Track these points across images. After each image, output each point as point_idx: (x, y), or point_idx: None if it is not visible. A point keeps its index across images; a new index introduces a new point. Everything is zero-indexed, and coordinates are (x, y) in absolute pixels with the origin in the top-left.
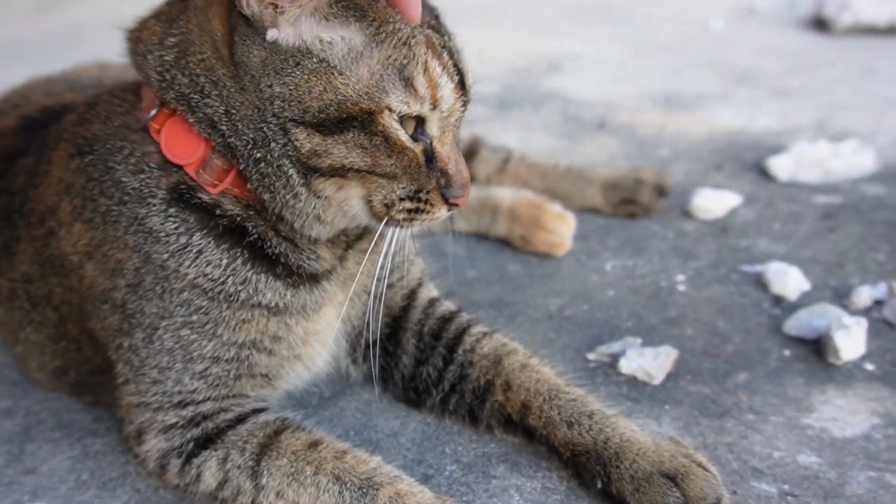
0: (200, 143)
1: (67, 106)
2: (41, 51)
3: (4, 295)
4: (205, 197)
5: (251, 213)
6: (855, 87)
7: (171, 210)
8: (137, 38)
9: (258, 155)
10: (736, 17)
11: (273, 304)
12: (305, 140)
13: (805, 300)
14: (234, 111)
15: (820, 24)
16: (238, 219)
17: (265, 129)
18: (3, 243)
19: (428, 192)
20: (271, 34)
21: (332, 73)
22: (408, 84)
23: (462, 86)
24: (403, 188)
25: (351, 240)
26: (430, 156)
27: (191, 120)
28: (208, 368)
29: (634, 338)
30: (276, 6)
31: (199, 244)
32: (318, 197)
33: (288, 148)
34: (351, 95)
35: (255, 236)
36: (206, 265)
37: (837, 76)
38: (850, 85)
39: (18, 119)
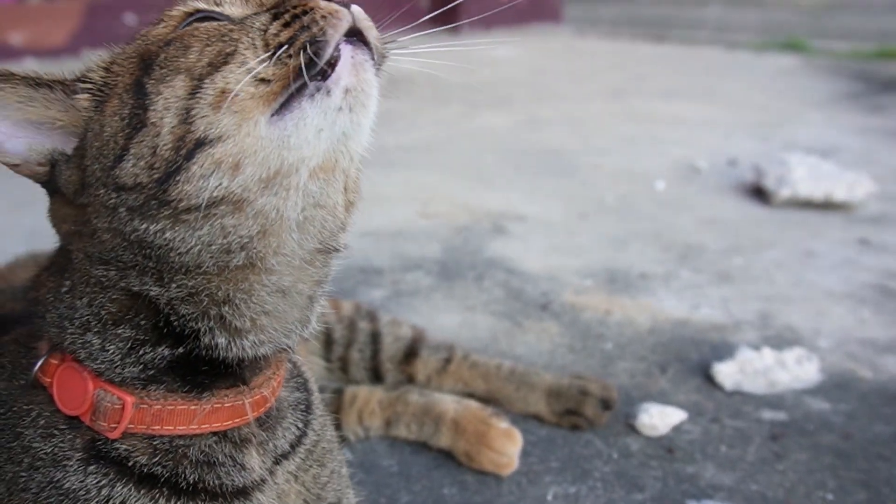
0: (87, 382)
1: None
2: None
3: None
4: (121, 447)
5: (158, 454)
6: (796, 275)
7: (91, 468)
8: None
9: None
10: (678, 177)
11: None
12: (134, 162)
13: None
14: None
15: (759, 194)
16: (145, 469)
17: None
18: None
19: (295, 7)
20: None
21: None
22: None
23: None
24: (252, 31)
25: (279, 455)
26: None
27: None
28: None
29: None
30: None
31: (122, 493)
32: (196, 210)
33: (130, 199)
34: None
35: (167, 475)
36: None
37: (778, 258)
38: (791, 271)
39: None
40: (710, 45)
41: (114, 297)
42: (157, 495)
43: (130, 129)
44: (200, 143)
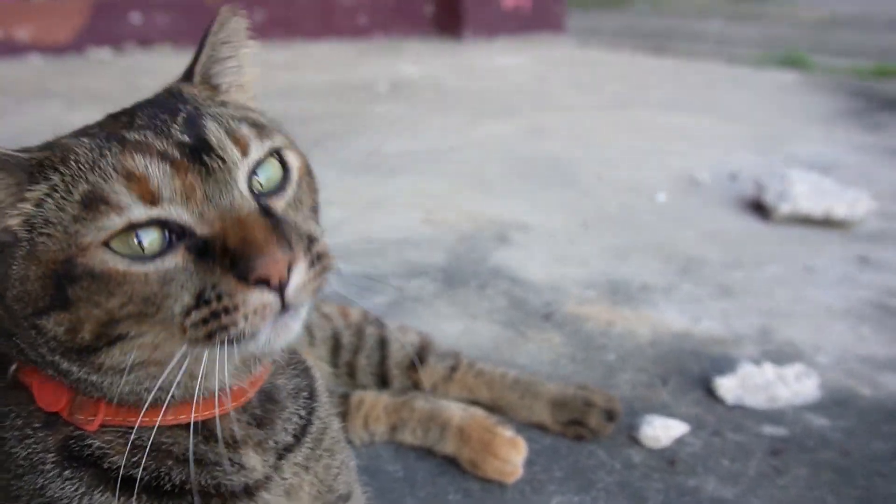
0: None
1: None
2: None
3: None
4: (94, 443)
5: (137, 452)
6: (796, 291)
7: (66, 473)
8: None
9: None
10: (679, 189)
11: None
12: (55, 325)
13: None
14: (17, 334)
15: (759, 209)
16: (122, 470)
17: (30, 336)
18: None
19: (216, 286)
20: None
21: (36, 245)
22: (98, 204)
23: (193, 158)
24: (175, 305)
25: (282, 449)
26: (202, 247)
27: None
28: None
29: None
30: None
31: (100, 501)
32: (117, 363)
33: (51, 343)
34: (47, 260)
35: (147, 477)
36: None
37: (778, 274)
38: (791, 287)
39: None
40: (711, 58)
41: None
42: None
43: (52, 301)
44: (122, 338)
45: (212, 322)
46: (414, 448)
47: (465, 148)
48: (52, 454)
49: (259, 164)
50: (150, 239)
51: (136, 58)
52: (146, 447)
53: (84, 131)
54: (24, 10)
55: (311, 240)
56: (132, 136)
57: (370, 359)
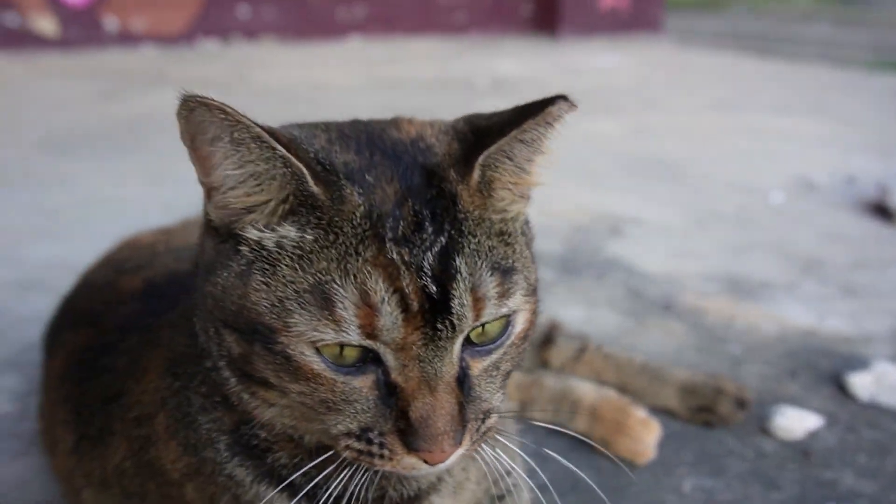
0: None
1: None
2: (106, 142)
3: (96, 480)
4: (261, 433)
5: (299, 453)
6: None
7: (236, 459)
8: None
9: (208, 364)
10: (795, 191)
11: None
12: (234, 344)
13: None
14: (199, 315)
15: (882, 212)
16: (284, 471)
17: (209, 328)
18: (98, 428)
19: (382, 434)
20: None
21: (252, 277)
22: (326, 305)
23: (428, 312)
24: (341, 423)
25: None
26: (391, 389)
27: None
28: None
29: None
30: (235, 216)
31: (267, 494)
32: (270, 404)
33: (222, 349)
34: (257, 304)
35: (307, 489)
36: None
37: None
38: None
39: (143, 283)
40: (818, 62)
41: None
42: None
43: (240, 334)
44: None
45: (365, 455)
46: (542, 425)
47: (572, 144)
48: (226, 436)
49: (484, 324)
50: (351, 353)
51: (242, 49)
52: (310, 451)
53: (362, 172)
54: (140, 2)
55: (485, 416)
56: (390, 249)
57: None
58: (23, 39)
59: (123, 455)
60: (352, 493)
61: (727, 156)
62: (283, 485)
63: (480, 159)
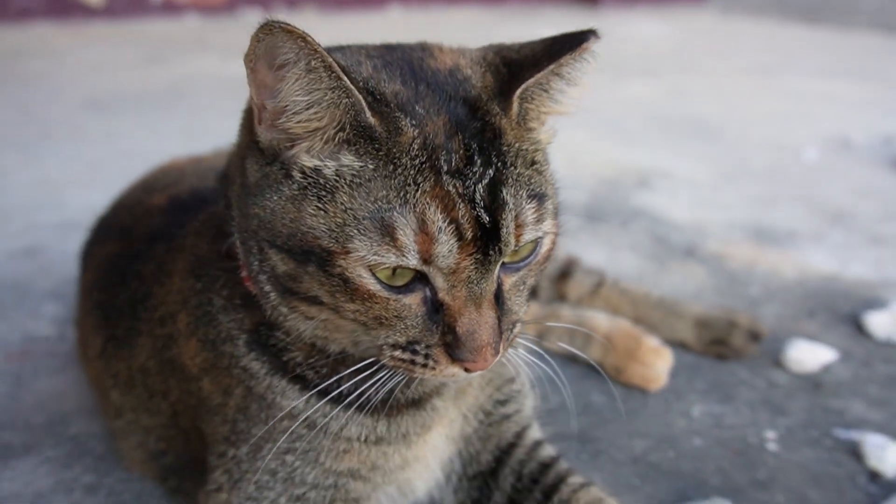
0: None
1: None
2: (148, 102)
3: (122, 379)
4: (279, 335)
5: (314, 354)
6: None
7: (252, 354)
8: (225, 174)
9: (252, 273)
10: (830, 149)
11: (365, 438)
12: (280, 262)
13: None
14: (241, 231)
15: None
16: (298, 368)
17: (252, 246)
18: (125, 330)
19: (429, 347)
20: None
21: (307, 202)
22: (387, 232)
23: (479, 240)
24: (390, 336)
25: None
26: (437, 306)
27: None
28: (306, 493)
29: (723, 500)
30: (290, 141)
31: (279, 385)
32: (309, 318)
33: (265, 266)
34: (314, 228)
35: (317, 381)
36: (292, 402)
37: None
38: None
39: (168, 199)
40: (869, 29)
41: None
42: (311, 397)
43: (290, 254)
44: (331, 311)
45: (408, 364)
46: (559, 355)
47: (608, 105)
48: (245, 334)
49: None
50: (403, 275)
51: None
52: (328, 355)
53: (412, 104)
54: None
55: (513, 326)
56: (446, 181)
57: None
58: (70, 9)
59: (148, 354)
60: (362, 393)
61: (763, 116)
62: (293, 376)
63: (518, 92)
